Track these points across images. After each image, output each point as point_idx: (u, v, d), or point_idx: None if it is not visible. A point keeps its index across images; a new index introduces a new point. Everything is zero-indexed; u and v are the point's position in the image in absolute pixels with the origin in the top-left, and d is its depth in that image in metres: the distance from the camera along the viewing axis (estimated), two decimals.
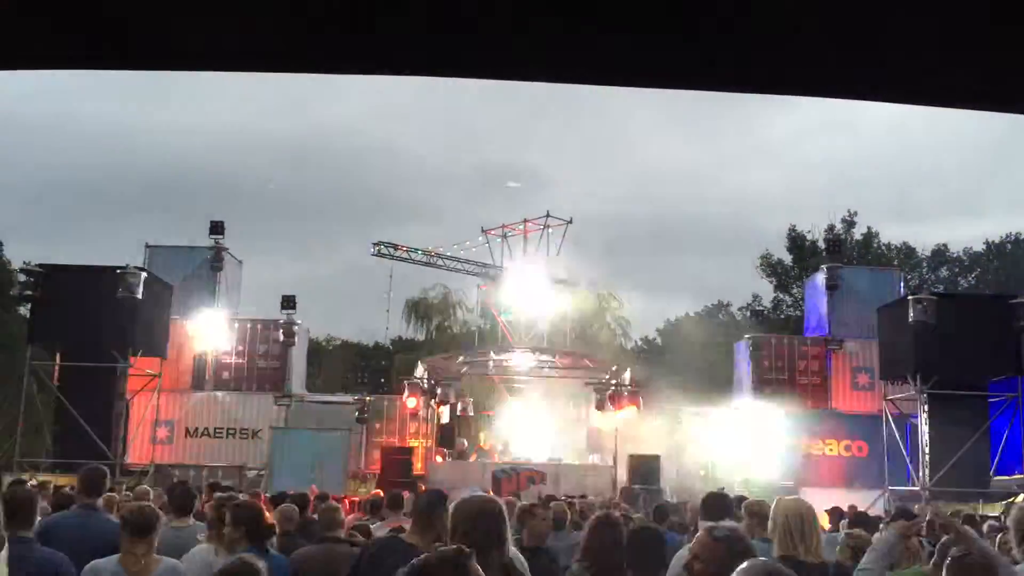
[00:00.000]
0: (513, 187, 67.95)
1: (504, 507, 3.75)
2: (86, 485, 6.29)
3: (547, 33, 1.78)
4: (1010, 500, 20.30)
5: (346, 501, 14.33)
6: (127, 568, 4.49)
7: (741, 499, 9.52)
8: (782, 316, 47.67)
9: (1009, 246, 47.72)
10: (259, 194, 77.52)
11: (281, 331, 25.69)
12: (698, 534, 3.36)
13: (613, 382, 25.00)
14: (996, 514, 16.90)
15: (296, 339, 26.07)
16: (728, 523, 4.32)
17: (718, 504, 5.51)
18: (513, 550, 4.08)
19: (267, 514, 5.51)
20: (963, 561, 3.78)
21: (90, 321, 20.58)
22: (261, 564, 3.81)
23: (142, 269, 22.19)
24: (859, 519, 7.91)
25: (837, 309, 25.99)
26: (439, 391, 24.40)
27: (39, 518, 5.25)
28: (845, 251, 39.56)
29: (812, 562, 4.19)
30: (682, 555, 4.64)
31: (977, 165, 75.58)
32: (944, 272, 49.44)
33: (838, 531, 9.93)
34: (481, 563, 2.90)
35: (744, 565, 2.93)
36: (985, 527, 10.11)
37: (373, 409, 25.11)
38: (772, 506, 4.58)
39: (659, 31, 1.79)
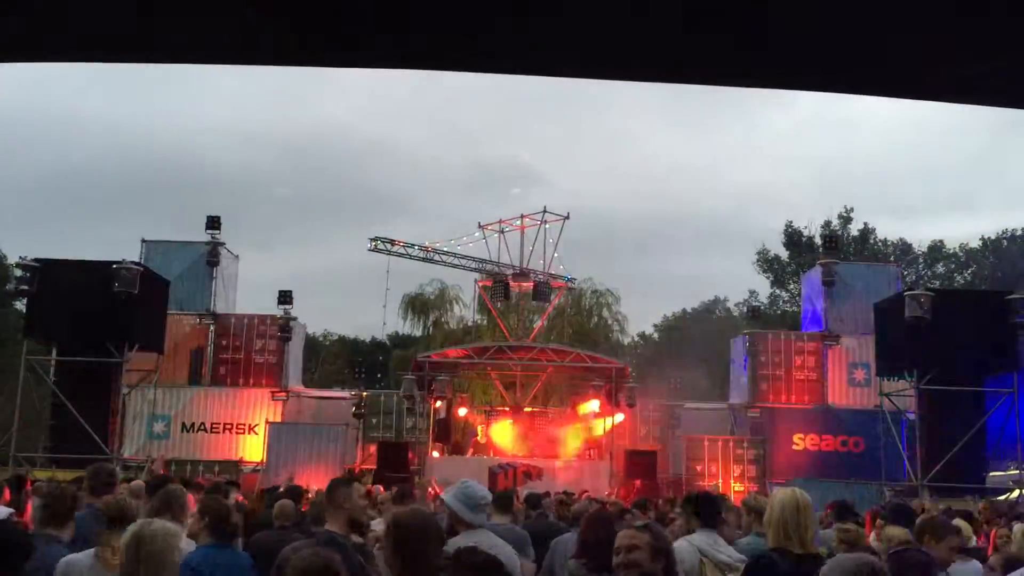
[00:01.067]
0: (510, 185, 67.99)
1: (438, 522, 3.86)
2: (95, 484, 6.18)
3: (547, 27, 1.77)
4: (1007, 495, 20.38)
5: None
6: (104, 561, 4.38)
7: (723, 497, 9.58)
8: (778, 312, 47.74)
9: (1005, 242, 47.79)
10: (256, 190, 77.43)
11: (278, 326, 25.68)
12: (621, 532, 3.41)
13: (610, 377, 25.01)
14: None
15: (293, 334, 26.07)
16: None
17: (709, 502, 5.55)
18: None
19: (234, 512, 5.47)
20: (903, 555, 4.00)
21: (86, 316, 20.52)
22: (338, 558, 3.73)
23: (138, 264, 22.14)
24: (842, 509, 7.93)
25: (834, 305, 26.03)
26: (435, 386, 24.39)
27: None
28: (841, 247, 39.58)
29: (804, 553, 4.19)
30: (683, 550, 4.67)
31: (974, 162, 75.65)
32: (940, 268, 49.54)
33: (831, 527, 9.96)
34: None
35: (837, 559, 2.95)
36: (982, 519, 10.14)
37: (369, 404, 25.12)
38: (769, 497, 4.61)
39: (663, 26, 1.79)
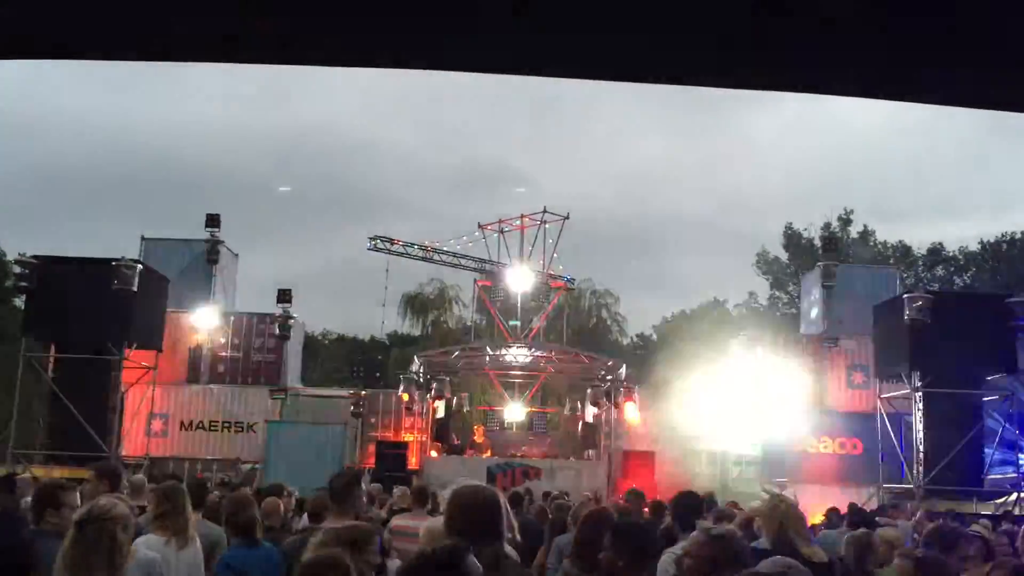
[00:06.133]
0: (504, 186, 68.10)
1: (502, 497, 3.72)
2: (113, 480, 6.16)
3: (534, 26, 1.77)
4: (1004, 499, 20.38)
5: None
6: None
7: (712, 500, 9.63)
8: (778, 314, 47.71)
9: (1004, 246, 47.80)
10: (255, 188, 77.36)
11: (277, 325, 25.66)
12: (694, 533, 3.39)
13: (608, 378, 25.00)
14: (990, 512, 16.97)
15: (292, 333, 26.04)
16: (725, 525, 4.31)
17: (689, 503, 5.52)
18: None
19: (255, 507, 5.45)
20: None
21: (85, 313, 20.50)
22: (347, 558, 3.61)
23: (138, 262, 22.12)
24: (858, 516, 7.93)
25: (833, 307, 25.99)
26: (434, 386, 24.39)
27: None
28: (841, 249, 39.57)
29: (817, 560, 4.21)
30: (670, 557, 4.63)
31: (973, 165, 75.71)
32: (940, 271, 49.52)
33: (833, 528, 9.97)
34: (475, 553, 2.90)
35: (766, 561, 2.96)
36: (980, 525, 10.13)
37: (368, 403, 25.10)
38: (762, 505, 4.59)
39: (664, 28, 1.78)
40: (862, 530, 6.07)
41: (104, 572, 3.32)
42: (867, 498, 20.85)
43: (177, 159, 74.15)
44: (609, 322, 41.27)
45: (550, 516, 9.18)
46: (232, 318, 26.00)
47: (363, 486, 5.26)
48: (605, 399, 24.39)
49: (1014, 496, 20.46)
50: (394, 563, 5.11)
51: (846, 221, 49.32)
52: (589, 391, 24.84)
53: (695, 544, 3.25)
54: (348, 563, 2.89)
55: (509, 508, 3.73)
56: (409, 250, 29.17)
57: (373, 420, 24.97)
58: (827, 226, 48.64)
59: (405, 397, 24.41)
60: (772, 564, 2.92)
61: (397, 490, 10.29)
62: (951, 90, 2.01)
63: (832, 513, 11.15)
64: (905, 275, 40.77)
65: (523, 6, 1.79)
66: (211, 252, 26.18)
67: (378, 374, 43.73)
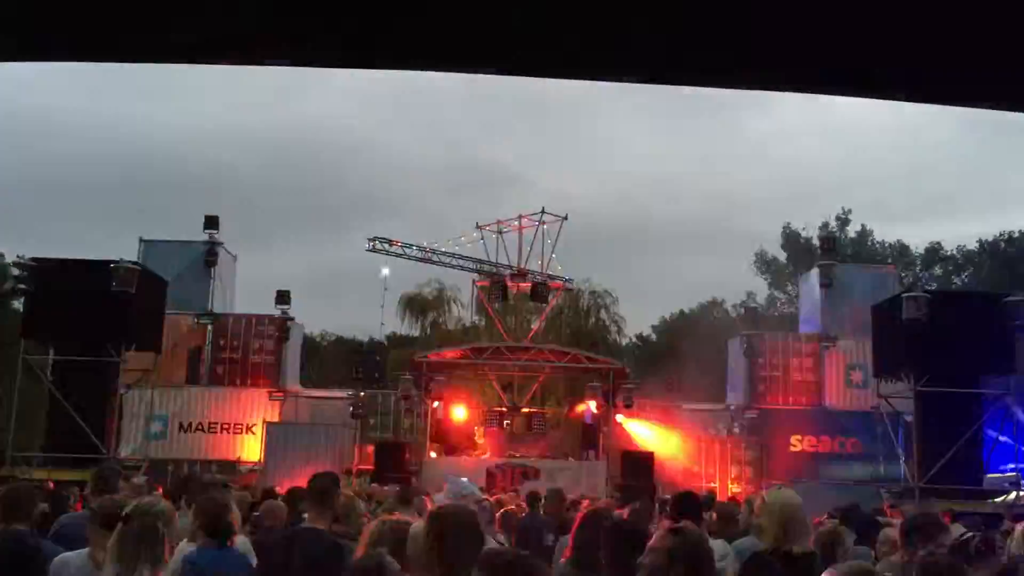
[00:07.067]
0: (501, 187, 68.15)
1: (477, 513, 3.72)
2: (100, 484, 6.19)
3: (528, 26, 1.78)
4: (1004, 497, 20.40)
5: None
6: (95, 561, 4.36)
7: (711, 499, 9.68)
8: (776, 314, 47.76)
9: (1003, 244, 47.85)
10: (254, 189, 77.38)
11: (275, 326, 25.65)
12: (658, 531, 3.41)
13: (607, 378, 25.01)
14: (987, 512, 16.97)
15: (290, 334, 26.04)
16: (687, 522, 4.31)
17: (687, 503, 5.55)
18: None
19: (231, 511, 5.40)
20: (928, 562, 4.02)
21: (84, 316, 20.44)
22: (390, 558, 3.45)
23: (136, 263, 22.09)
24: (857, 516, 7.95)
25: (831, 307, 26.01)
26: (433, 387, 24.39)
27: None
28: (839, 249, 39.61)
29: (801, 552, 4.24)
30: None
31: (970, 164, 75.79)
32: (938, 270, 49.59)
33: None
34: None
35: (841, 566, 3.00)
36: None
37: (367, 404, 25.10)
38: (761, 499, 4.60)
39: (666, 29, 1.79)
40: (833, 523, 6.09)
41: (148, 563, 3.60)
42: (865, 498, 20.86)
43: (175, 161, 74.07)
44: (608, 322, 41.25)
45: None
46: (231, 320, 26.00)
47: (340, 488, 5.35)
48: (604, 400, 24.40)
49: (1013, 495, 20.48)
50: None
51: (844, 221, 49.44)
52: (588, 391, 24.85)
53: (655, 538, 3.27)
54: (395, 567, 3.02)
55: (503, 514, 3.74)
56: (407, 251, 29.17)
57: (372, 421, 25.00)
58: (825, 226, 48.75)
59: (404, 399, 24.43)
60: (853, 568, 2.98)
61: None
62: (951, 90, 2.02)
63: (831, 513, 11.17)
64: (903, 275, 40.81)
65: (521, 6, 1.79)
66: (209, 254, 26.16)
67: (377, 375, 43.73)
